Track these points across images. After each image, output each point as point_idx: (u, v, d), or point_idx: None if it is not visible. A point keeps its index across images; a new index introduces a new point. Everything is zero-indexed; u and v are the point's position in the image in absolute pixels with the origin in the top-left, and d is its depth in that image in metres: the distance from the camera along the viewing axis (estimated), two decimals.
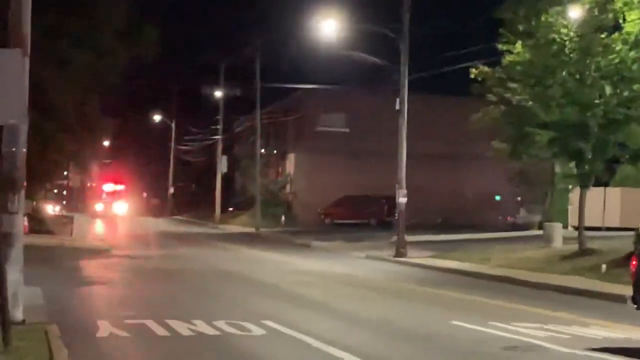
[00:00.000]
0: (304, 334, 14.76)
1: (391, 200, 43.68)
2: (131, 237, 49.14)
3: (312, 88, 61.88)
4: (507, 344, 14.57)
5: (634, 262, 15.42)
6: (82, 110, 38.77)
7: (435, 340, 14.84)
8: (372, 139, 62.00)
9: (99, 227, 58.47)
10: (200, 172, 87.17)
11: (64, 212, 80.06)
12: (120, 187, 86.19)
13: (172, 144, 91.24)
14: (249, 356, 13.20)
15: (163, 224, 70.01)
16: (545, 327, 16.34)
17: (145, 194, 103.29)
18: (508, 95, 31.70)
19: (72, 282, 23.51)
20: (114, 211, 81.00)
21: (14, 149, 13.90)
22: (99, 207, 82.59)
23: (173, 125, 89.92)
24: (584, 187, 31.85)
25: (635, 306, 15.18)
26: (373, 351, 13.46)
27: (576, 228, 34.44)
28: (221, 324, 15.70)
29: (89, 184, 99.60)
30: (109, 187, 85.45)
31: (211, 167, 77.69)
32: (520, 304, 20.87)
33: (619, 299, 21.13)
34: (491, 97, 32.28)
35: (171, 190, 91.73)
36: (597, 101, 29.73)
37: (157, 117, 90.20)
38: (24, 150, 14.07)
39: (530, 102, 30.94)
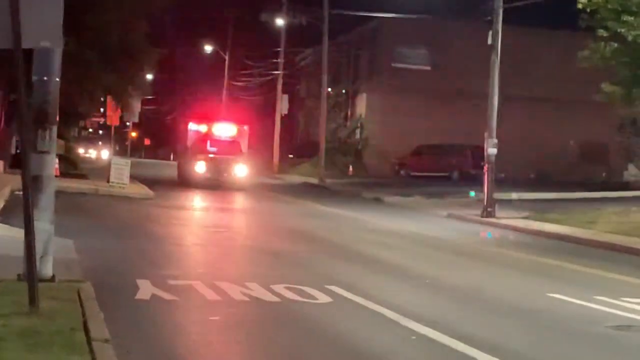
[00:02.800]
0: (377, 304, 14.53)
1: (478, 150, 43.16)
2: (174, 183, 48.99)
3: (390, 17, 61.25)
4: (618, 323, 14.25)
5: None
6: (127, 37, 38.73)
7: (535, 316, 14.56)
8: (459, 78, 61.50)
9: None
10: (256, 112, 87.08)
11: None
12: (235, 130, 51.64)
13: (225, 79, 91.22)
14: (310, 328, 12.98)
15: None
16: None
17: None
18: (623, 30, 31.13)
19: (109, 234, 23.56)
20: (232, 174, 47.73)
21: (45, 78, 13.71)
22: (200, 167, 47.05)
23: (227, 57, 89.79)
24: None
25: None
26: (461, 327, 13.16)
27: None
28: (280, 288, 15.57)
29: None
30: (221, 128, 51.09)
31: (270, 106, 77.41)
32: (633, 276, 20.48)
33: None
34: (602, 33, 31.74)
35: None
36: None
37: (208, 48, 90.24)
38: (57, 79, 13.86)
39: None
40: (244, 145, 49.69)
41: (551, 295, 16.58)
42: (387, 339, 12.24)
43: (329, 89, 66.35)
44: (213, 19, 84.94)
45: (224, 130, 50.27)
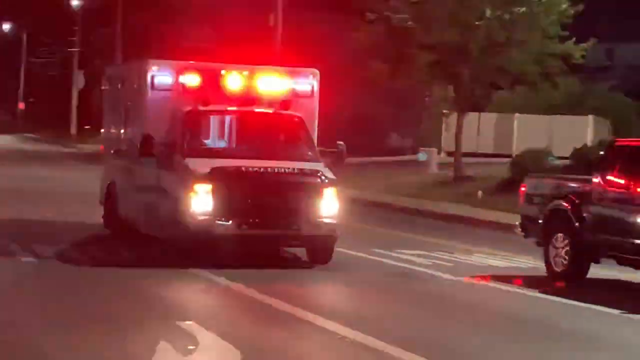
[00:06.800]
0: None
1: None
2: None
3: None
4: (392, 271, 14.82)
5: (522, 189, 15.83)
6: None
7: (320, 268, 14.81)
8: None
9: None
10: (55, 88, 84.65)
11: None
12: None
13: (23, 56, 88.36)
14: None
15: (13, 141, 67.55)
16: (429, 254, 16.64)
17: None
18: (388, 13, 31.78)
19: None
20: None
21: None
22: None
23: (24, 37, 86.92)
24: (461, 112, 32.46)
25: (523, 234, 15.63)
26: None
27: (450, 154, 35.10)
28: None
29: None
30: None
31: (68, 82, 75.29)
32: (402, 231, 21.21)
33: (499, 226, 21.81)
34: (370, 16, 32.35)
35: (21, 105, 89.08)
36: (477, 23, 30.17)
37: (6, 27, 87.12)
38: None
39: (410, 22, 31.22)
40: None
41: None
42: None
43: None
44: None
45: None
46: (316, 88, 15.78)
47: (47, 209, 20.92)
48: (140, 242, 15.68)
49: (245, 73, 15.47)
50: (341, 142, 15.75)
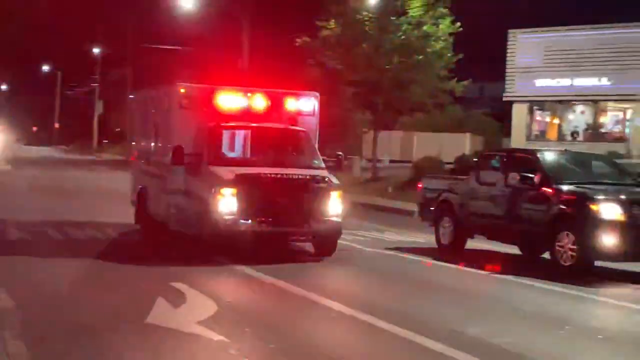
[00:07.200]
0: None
1: None
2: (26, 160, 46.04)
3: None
4: None
5: (420, 186, 15.94)
6: None
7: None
8: None
9: None
10: (81, 112, 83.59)
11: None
12: None
13: (58, 89, 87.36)
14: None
15: (51, 151, 66.90)
16: (353, 232, 16.52)
17: (35, 128, 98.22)
18: (324, 60, 31.88)
19: None
20: None
21: None
22: None
23: (59, 75, 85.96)
24: (376, 130, 32.66)
25: (421, 218, 15.75)
26: None
27: (369, 160, 35.27)
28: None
29: None
30: None
31: (91, 108, 74.50)
32: None
33: (403, 212, 21.95)
34: (311, 61, 32.45)
35: (56, 125, 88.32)
36: (388, 67, 30.33)
37: (45, 67, 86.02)
38: None
39: (340, 66, 31.34)
40: None
41: None
42: None
43: (131, 96, 64.43)
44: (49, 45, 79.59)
45: None
46: (317, 108, 14.47)
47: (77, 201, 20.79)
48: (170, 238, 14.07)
49: (265, 95, 14.07)
50: (340, 152, 14.87)
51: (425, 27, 29.90)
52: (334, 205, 12.72)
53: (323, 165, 13.52)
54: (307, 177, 12.73)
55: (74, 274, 10.58)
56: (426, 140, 40.30)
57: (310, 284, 10.33)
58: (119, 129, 68.39)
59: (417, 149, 39.44)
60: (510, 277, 11.95)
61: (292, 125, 13.92)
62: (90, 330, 7.55)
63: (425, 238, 16.08)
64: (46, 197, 22.33)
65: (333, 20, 30.95)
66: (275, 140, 13.75)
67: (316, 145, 13.97)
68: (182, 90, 13.69)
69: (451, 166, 28.60)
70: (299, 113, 14.22)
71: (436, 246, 14.82)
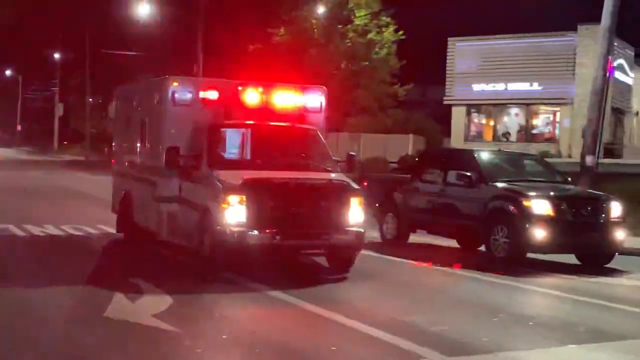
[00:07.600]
0: None
1: None
2: None
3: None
4: None
5: (365, 184, 15.90)
6: None
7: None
8: None
9: None
10: (42, 115, 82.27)
11: None
12: None
13: (19, 92, 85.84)
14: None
15: (13, 153, 65.43)
16: None
17: None
18: (275, 65, 31.71)
19: None
20: None
21: None
22: None
23: (20, 79, 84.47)
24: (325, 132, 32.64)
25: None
26: None
27: None
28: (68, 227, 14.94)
29: None
30: None
31: (51, 111, 73.41)
32: None
33: None
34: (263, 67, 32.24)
35: (19, 127, 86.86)
36: (335, 72, 30.44)
37: (7, 72, 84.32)
38: None
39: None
40: None
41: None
42: None
43: (90, 99, 63.60)
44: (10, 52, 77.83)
45: None
46: (324, 104, 12.14)
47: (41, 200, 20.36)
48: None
49: (261, 89, 11.72)
50: (353, 152, 12.42)
51: (370, 35, 30.09)
52: (356, 213, 10.43)
53: (337, 167, 11.43)
54: (324, 181, 10.53)
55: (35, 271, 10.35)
56: (372, 141, 40.44)
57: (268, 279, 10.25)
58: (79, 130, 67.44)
59: (363, 150, 39.59)
60: (449, 269, 12.07)
61: (299, 123, 11.65)
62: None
63: (372, 233, 16.17)
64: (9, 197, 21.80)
65: (283, 29, 30.95)
66: (282, 140, 11.45)
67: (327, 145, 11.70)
68: (175, 84, 11.49)
69: (395, 165, 28.80)
70: (306, 109, 11.98)
71: (381, 240, 14.88)
